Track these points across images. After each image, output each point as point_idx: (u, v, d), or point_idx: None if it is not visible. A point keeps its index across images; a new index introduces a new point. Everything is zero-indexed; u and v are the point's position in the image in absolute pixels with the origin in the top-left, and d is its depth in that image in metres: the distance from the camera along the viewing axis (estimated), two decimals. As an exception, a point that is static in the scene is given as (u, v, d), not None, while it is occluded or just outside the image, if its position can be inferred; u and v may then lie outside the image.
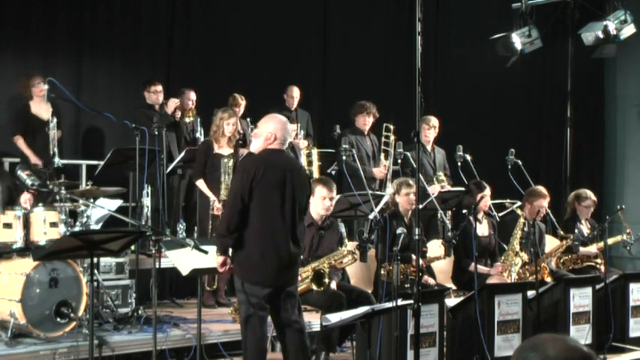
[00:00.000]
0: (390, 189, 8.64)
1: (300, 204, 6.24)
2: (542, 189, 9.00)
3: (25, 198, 7.26)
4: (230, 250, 6.05)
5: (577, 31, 11.32)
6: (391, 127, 10.12)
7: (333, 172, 10.20)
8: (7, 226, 7.03)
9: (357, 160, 9.30)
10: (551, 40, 12.79)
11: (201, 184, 8.60)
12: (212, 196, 8.44)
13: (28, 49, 9.98)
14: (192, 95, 9.95)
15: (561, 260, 9.30)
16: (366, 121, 9.98)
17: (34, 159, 8.86)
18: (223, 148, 8.63)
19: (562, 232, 9.36)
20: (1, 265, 7.09)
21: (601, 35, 10.72)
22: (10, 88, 9.74)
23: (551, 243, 9.29)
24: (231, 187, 6.26)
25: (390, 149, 9.98)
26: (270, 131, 6.13)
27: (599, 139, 14.72)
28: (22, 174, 7.16)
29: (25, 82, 8.94)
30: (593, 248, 9.34)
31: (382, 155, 10.08)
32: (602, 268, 9.02)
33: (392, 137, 10.06)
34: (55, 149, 8.63)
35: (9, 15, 9.83)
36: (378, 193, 9.03)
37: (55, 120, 8.72)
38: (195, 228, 9.06)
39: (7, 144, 9.31)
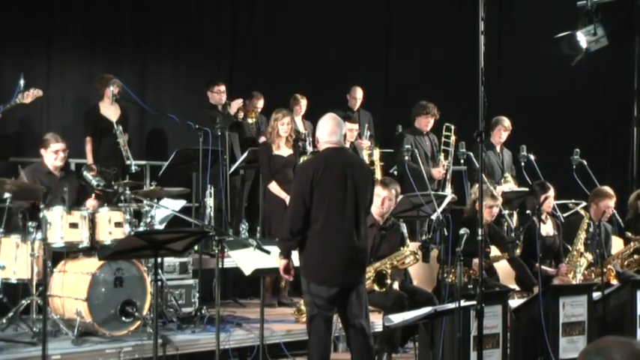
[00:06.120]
0: (449, 189, 8.54)
1: (364, 201, 6.16)
2: (608, 189, 8.86)
3: (91, 203, 7.38)
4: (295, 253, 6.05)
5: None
6: (452, 126, 10.03)
7: (395, 173, 10.16)
8: (74, 226, 7.11)
9: (418, 161, 9.28)
10: (618, 38, 12.56)
11: (273, 186, 8.53)
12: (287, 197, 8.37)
13: (94, 52, 10.14)
14: (261, 102, 10.03)
15: (625, 262, 9.11)
16: (428, 123, 9.92)
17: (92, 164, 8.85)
18: (282, 149, 8.60)
19: (629, 234, 9.16)
20: (67, 264, 7.22)
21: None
22: (76, 90, 9.89)
23: (617, 244, 9.13)
24: (292, 190, 6.24)
25: (451, 149, 9.90)
26: (316, 135, 6.25)
27: (666, 138, 14.46)
28: (88, 175, 7.30)
29: (103, 81, 8.99)
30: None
31: (442, 155, 9.99)
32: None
33: (452, 137, 9.97)
34: (129, 154, 8.65)
35: (75, 17, 10.00)
36: (441, 193, 8.97)
37: (120, 127, 8.74)
38: (258, 228, 9.09)
39: (73, 145, 9.42)
